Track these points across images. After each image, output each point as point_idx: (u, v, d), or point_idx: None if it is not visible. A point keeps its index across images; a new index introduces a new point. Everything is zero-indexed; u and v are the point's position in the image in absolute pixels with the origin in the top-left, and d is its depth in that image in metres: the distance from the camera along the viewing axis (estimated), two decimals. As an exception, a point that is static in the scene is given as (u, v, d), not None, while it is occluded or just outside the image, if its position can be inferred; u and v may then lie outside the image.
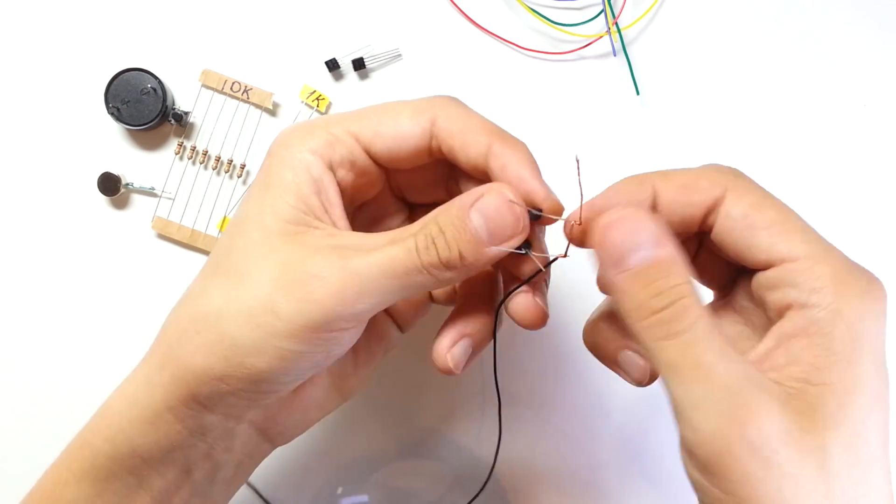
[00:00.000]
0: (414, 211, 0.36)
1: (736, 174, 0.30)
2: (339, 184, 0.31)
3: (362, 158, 0.32)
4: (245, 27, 0.45)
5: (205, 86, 0.45)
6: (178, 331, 0.30)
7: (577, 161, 0.32)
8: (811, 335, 0.26)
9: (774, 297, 0.27)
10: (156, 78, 0.43)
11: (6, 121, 0.45)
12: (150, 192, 0.45)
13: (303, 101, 0.45)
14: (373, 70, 0.45)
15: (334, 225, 0.31)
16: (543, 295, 0.33)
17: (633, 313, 0.27)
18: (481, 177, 0.32)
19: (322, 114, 0.45)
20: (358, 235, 0.30)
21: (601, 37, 0.45)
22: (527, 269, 0.32)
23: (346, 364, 0.34)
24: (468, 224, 0.29)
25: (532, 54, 0.46)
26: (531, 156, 0.32)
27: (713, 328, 0.26)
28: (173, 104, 0.45)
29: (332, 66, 0.45)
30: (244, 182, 0.45)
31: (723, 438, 0.24)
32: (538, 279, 0.32)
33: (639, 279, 0.26)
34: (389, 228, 0.33)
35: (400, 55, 0.45)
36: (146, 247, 0.45)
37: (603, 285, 0.29)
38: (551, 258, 0.31)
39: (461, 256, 0.29)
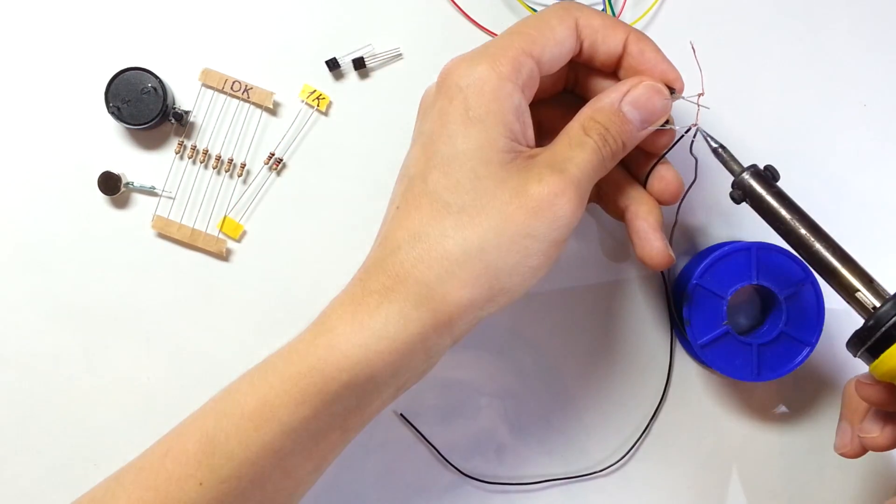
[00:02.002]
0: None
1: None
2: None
3: (536, 74, 0.34)
4: (245, 27, 0.45)
5: (205, 85, 0.45)
6: (436, 270, 0.32)
7: (693, 46, 0.39)
8: None
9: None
10: (156, 77, 0.43)
11: (7, 120, 0.45)
12: (150, 192, 0.45)
13: (303, 101, 0.45)
14: (373, 70, 0.45)
15: (528, 145, 0.35)
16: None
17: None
18: (610, 70, 0.37)
19: (323, 113, 0.45)
20: (549, 151, 0.34)
21: (601, 36, 0.45)
22: (664, 141, 0.38)
23: None
24: (625, 116, 0.35)
25: (532, 54, 0.46)
26: (655, 43, 0.37)
27: None
28: (174, 103, 0.45)
29: (333, 65, 0.45)
30: (244, 181, 0.45)
31: None
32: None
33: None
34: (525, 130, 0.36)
35: (400, 55, 0.45)
36: (146, 246, 0.45)
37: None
38: (685, 128, 0.38)
39: (624, 145, 0.35)
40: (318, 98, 0.44)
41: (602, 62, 0.37)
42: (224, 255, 0.45)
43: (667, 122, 0.37)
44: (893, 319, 0.32)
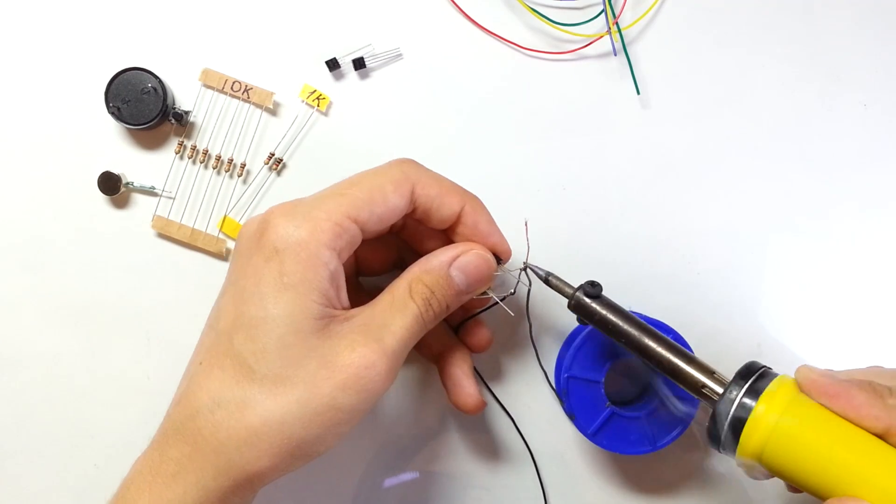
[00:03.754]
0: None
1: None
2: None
3: (359, 238, 0.34)
4: (245, 26, 0.45)
5: (205, 85, 0.45)
6: (237, 441, 0.31)
7: (526, 224, 0.40)
8: None
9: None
10: (156, 77, 0.43)
11: (7, 120, 0.45)
12: (150, 192, 0.45)
13: (303, 101, 0.45)
14: (373, 70, 0.45)
15: (343, 306, 0.34)
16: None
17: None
18: (441, 229, 0.38)
19: (323, 113, 0.45)
20: (365, 312, 0.34)
21: (601, 36, 0.45)
22: (481, 303, 0.40)
23: None
24: (453, 280, 0.35)
25: (532, 54, 0.46)
26: (489, 212, 0.38)
27: None
28: (174, 103, 0.45)
29: (333, 65, 0.45)
30: (244, 181, 0.45)
31: None
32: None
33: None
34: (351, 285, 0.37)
35: (400, 55, 0.45)
36: (146, 246, 0.45)
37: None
38: (502, 296, 0.39)
39: (448, 308, 0.35)
40: (318, 98, 0.44)
41: (435, 225, 0.37)
42: (224, 255, 0.45)
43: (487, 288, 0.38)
44: (735, 403, 0.33)
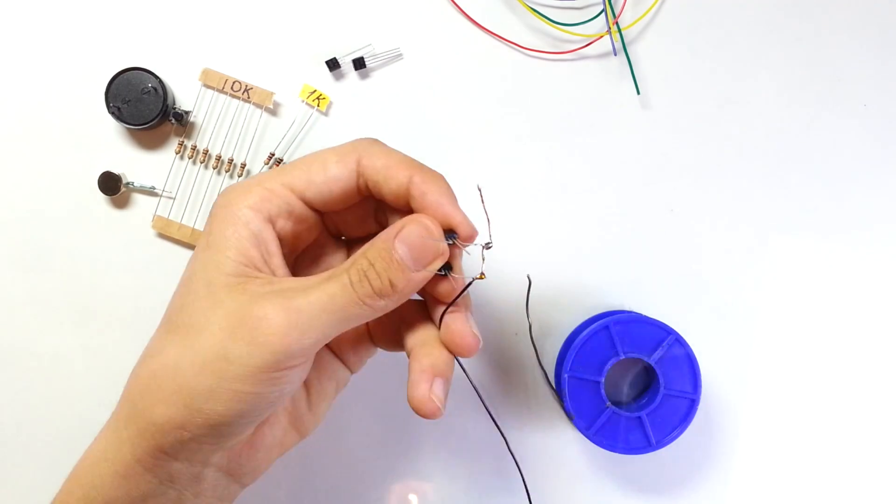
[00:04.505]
0: (352, 247, 0.38)
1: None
2: (278, 234, 0.33)
3: (299, 207, 0.34)
4: (245, 26, 0.45)
5: (205, 85, 0.45)
6: (139, 387, 0.32)
7: (480, 190, 0.35)
8: None
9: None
10: (156, 77, 0.43)
11: (7, 121, 0.45)
12: (150, 192, 0.45)
13: (303, 101, 0.45)
14: (373, 70, 0.46)
15: (273, 273, 0.33)
16: (471, 324, 0.35)
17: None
18: (405, 208, 0.34)
19: (323, 113, 0.45)
20: (296, 280, 0.33)
21: (601, 36, 0.45)
22: (451, 291, 0.34)
23: (300, 403, 0.36)
24: (394, 254, 0.32)
25: (532, 54, 0.46)
26: (448, 185, 0.34)
27: None
28: (174, 103, 0.45)
29: (333, 65, 0.45)
30: (244, 181, 0.45)
31: None
32: (463, 302, 0.35)
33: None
34: (332, 267, 0.35)
35: (400, 55, 0.45)
36: (146, 246, 0.45)
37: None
38: (469, 279, 0.34)
39: (392, 284, 0.32)
40: (318, 98, 0.44)
41: (391, 201, 0.35)
42: (224, 255, 0.45)
43: (450, 269, 0.34)
44: None
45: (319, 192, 0.34)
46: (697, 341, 0.42)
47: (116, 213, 0.45)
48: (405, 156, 0.35)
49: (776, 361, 0.46)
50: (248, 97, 0.44)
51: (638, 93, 0.45)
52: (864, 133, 0.46)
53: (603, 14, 0.45)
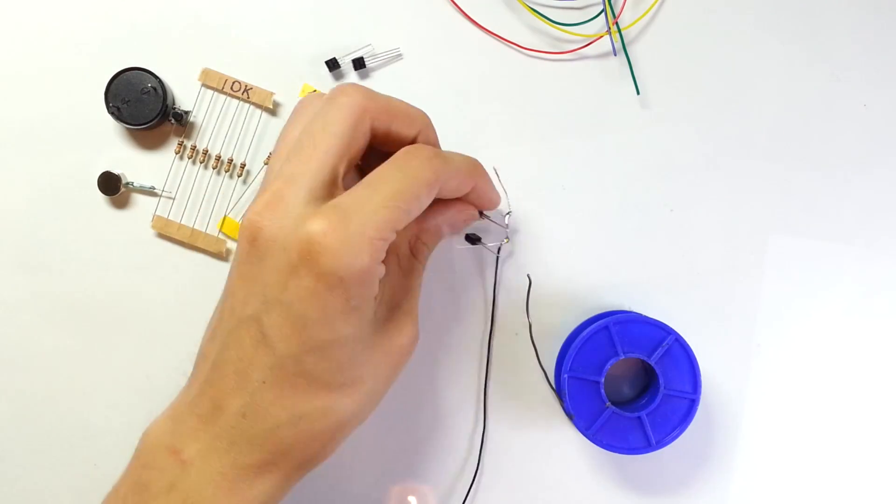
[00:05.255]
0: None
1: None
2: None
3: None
4: (245, 27, 0.45)
5: (205, 85, 0.45)
6: (323, 441, 0.35)
7: (496, 171, 0.43)
8: None
9: None
10: (156, 77, 0.43)
11: (7, 120, 0.45)
12: (150, 192, 0.45)
13: None
14: (373, 70, 0.45)
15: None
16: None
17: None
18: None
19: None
20: (398, 293, 0.39)
21: (601, 36, 0.45)
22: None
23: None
24: (443, 233, 0.41)
25: (532, 54, 0.46)
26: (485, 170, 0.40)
27: None
28: (174, 103, 0.45)
29: (333, 65, 0.45)
30: (244, 181, 0.45)
31: None
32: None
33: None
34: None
35: (400, 55, 0.45)
36: (146, 246, 0.45)
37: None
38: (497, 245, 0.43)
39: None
40: None
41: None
42: (224, 255, 0.45)
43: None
44: None
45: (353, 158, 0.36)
46: (697, 341, 0.42)
47: (116, 213, 0.45)
48: (470, 164, 0.39)
49: (776, 361, 0.46)
50: (248, 97, 0.44)
51: (638, 93, 0.45)
52: (864, 133, 0.46)
53: (603, 14, 0.45)
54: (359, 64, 0.45)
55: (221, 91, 0.44)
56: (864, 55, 0.46)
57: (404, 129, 0.36)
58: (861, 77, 0.46)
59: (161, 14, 0.45)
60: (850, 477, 0.46)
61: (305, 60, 0.45)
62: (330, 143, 0.33)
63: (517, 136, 0.46)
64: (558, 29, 0.45)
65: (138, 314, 0.45)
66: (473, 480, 0.45)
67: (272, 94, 0.44)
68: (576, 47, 0.45)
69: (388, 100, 0.36)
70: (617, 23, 0.45)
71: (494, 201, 0.41)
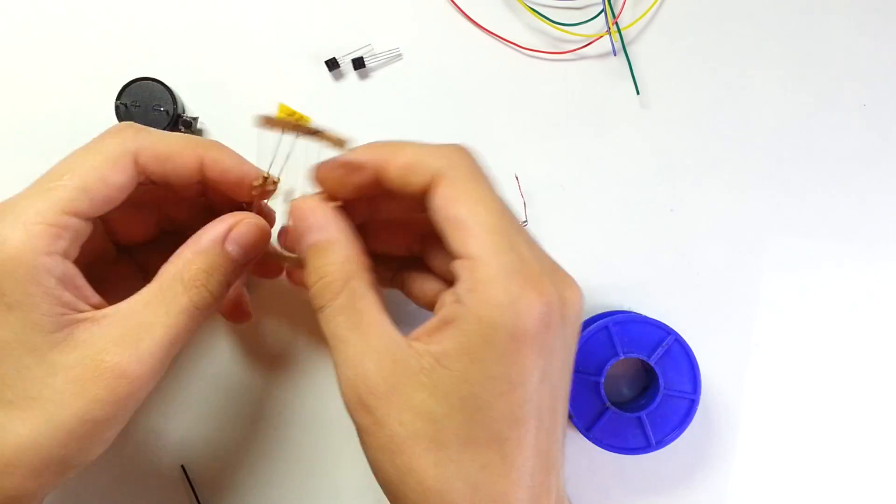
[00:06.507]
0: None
1: (453, 159, 0.30)
2: (74, 261, 0.31)
3: (84, 228, 0.31)
4: (245, 27, 0.45)
5: (270, 123, 0.37)
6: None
7: (517, 179, 0.40)
8: (455, 327, 0.28)
9: (455, 286, 0.29)
10: (167, 88, 0.42)
11: (19, 132, 0.45)
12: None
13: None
14: (373, 70, 0.46)
15: (88, 302, 0.31)
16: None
17: (307, 286, 0.31)
18: (196, 187, 0.34)
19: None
20: (124, 309, 0.31)
21: (601, 36, 0.45)
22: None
23: None
24: (230, 257, 0.32)
25: (532, 54, 0.46)
26: (227, 147, 0.35)
27: (354, 306, 0.30)
28: (183, 110, 0.44)
29: (332, 65, 0.45)
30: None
31: (349, 398, 0.29)
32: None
33: (307, 257, 0.31)
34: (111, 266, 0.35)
35: (400, 55, 0.45)
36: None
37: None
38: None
39: (229, 285, 0.33)
40: (297, 120, 0.39)
41: (182, 191, 0.34)
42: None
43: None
44: None
45: (106, 204, 0.31)
46: (697, 341, 0.42)
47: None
48: (180, 137, 0.34)
49: (776, 362, 0.46)
50: (320, 139, 0.37)
51: (637, 93, 0.45)
52: (864, 133, 0.46)
53: (602, 14, 0.45)
54: (358, 64, 0.45)
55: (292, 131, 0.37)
56: (864, 55, 0.46)
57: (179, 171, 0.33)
58: (861, 77, 0.46)
59: (160, 13, 0.45)
60: (849, 476, 0.46)
61: (305, 60, 0.45)
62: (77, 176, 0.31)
63: (517, 136, 0.46)
64: (558, 29, 0.45)
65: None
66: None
67: (346, 140, 0.37)
68: (576, 47, 0.45)
69: (161, 139, 0.33)
70: (617, 23, 0.45)
71: (244, 173, 0.35)
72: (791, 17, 0.46)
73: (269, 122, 0.34)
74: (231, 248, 0.32)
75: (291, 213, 0.32)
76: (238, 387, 0.44)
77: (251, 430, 0.44)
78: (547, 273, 0.29)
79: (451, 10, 0.45)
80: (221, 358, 0.44)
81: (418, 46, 0.45)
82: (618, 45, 0.45)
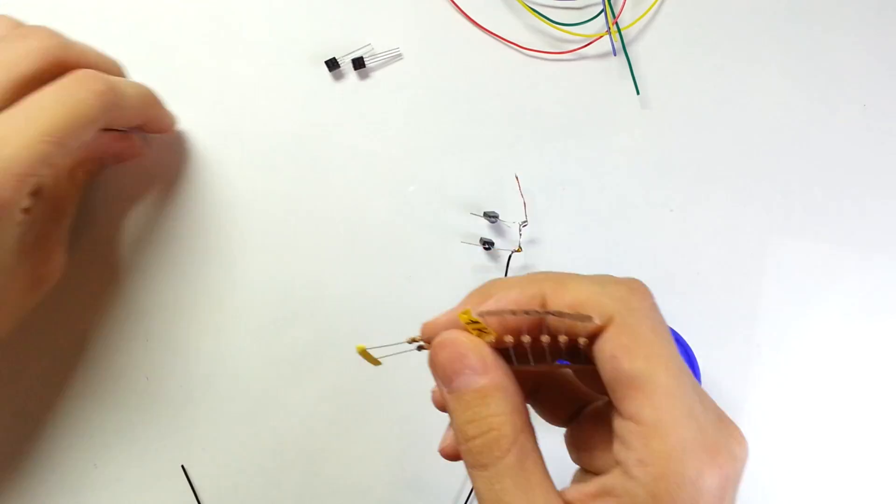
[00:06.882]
0: None
1: (631, 303, 0.27)
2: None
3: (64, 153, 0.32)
4: (245, 27, 0.45)
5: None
6: None
7: (517, 179, 0.36)
8: (622, 501, 0.25)
9: (617, 449, 0.26)
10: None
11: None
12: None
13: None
14: (373, 70, 0.45)
15: None
16: None
17: (456, 434, 0.27)
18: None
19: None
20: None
21: (601, 36, 0.45)
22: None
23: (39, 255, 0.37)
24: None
25: (532, 54, 0.46)
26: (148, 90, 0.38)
27: (522, 466, 0.26)
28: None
29: (332, 65, 0.45)
30: (244, 182, 0.45)
31: None
32: None
33: (460, 402, 0.26)
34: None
35: (400, 55, 0.45)
36: (145, 245, 0.45)
37: (437, 401, 0.29)
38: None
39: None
40: None
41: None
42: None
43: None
44: None
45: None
46: (697, 341, 0.42)
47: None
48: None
49: (776, 362, 0.46)
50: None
51: (638, 93, 0.45)
52: (864, 133, 0.46)
53: (602, 14, 0.45)
54: (358, 64, 0.45)
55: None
56: (864, 55, 0.46)
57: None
58: (861, 77, 0.46)
59: (158, 14, 0.45)
60: (850, 476, 0.46)
61: (305, 60, 0.45)
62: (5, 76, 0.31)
63: (517, 136, 0.46)
64: (558, 29, 0.45)
65: (138, 314, 0.45)
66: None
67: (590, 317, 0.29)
68: (576, 47, 0.45)
69: (83, 50, 0.35)
70: (617, 23, 0.45)
71: (166, 126, 0.40)
72: (791, 18, 0.46)
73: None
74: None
75: (440, 345, 0.27)
76: (238, 386, 0.44)
77: (251, 430, 0.44)
78: (722, 435, 0.26)
79: (451, 10, 0.45)
80: (221, 358, 0.44)
81: (418, 46, 0.45)
82: (618, 45, 0.45)
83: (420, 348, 0.29)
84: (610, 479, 0.25)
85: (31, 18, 0.44)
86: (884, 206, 0.46)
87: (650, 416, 0.25)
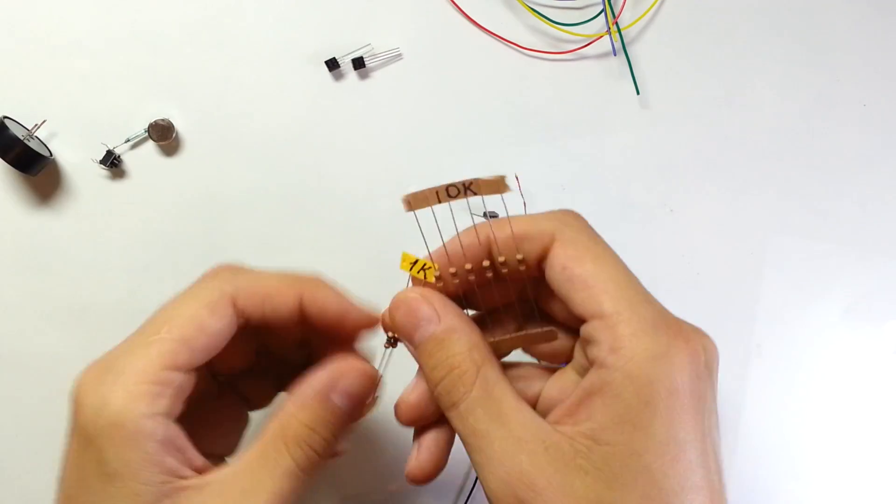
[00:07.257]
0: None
1: (567, 221, 0.29)
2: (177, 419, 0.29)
3: (187, 381, 0.29)
4: (244, 26, 0.45)
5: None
6: None
7: (517, 178, 0.36)
8: (605, 395, 0.26)
9: (588, 352, 0.27)
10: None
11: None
12: (150, 192, 0.45)
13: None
14: (373, 70, 0.45)
15: (192, 466, 0.29)
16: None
17: (428, 384, 0.28)
18: (296, 327, 0.32)
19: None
20: (228, 475, 0.28)
21: (601, 36, 0.45)
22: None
23: None
24: (338, 410, 0.29)
25: (532, 54, 0.46)
26: (330, 284, 0.32)
27: (490, 395, 0.27)
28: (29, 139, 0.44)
29: (332, 65, 0.45)
30: (244, 182, 0.45)
31: (503, 497, 0.26)
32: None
33: (423, 353, 0.28)
34: (212, 410, 0.33)
35: (400, 55, 0.45)
36: (143, 244, 0.45)
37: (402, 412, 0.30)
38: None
39: (337, 439, 0.30)
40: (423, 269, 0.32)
41: (281, 331, 0.32)
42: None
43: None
44: None
45: (207, 353, 0.30)
46: (697, 341, 0.42)
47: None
48: (278, 276, 0.32)
49: (776, 362, 0.46)
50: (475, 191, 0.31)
51: (637, 93, 0.45)
52: (863, 133, 0.46)
53: (603, 14, 0.45)
54: (358, 64, 0.45)
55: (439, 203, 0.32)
56: (864, 55, 0.46)
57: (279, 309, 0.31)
58: (861, 77, 0.46)
59: (158, 14, 0.45)
60: (848, 476, 0.46)
61: (305, 60, 0.45)
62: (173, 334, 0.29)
63: (517, 136, 0.46)
64: (558, 29, 0.45)
65: (138, 314, 0.45)
66: (476, 480, 0.45)
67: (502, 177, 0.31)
68: (576, 47, 0.45)
69: (259, 280, 0.31)
70: (617, 23, 0.45)
71: (356, 319, 0.32)
72: (791, 17, 0.46)
73: (415, 201, 0.31)
74: (337, 399, 0.30)
75: (395, 307, 0.29)
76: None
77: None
78: (682, 322, 0.27)
79: (451, 10, 0.45)
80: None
81: (418, 46, 0.45)
82: (618, 45, 0.45)
83: (390, 339, 0.31)
84: (588, 381, 0.26)
85: (30, 21, 0.44)
86: (883, 206, 0.46)
87: (610, 307, 0.26)
